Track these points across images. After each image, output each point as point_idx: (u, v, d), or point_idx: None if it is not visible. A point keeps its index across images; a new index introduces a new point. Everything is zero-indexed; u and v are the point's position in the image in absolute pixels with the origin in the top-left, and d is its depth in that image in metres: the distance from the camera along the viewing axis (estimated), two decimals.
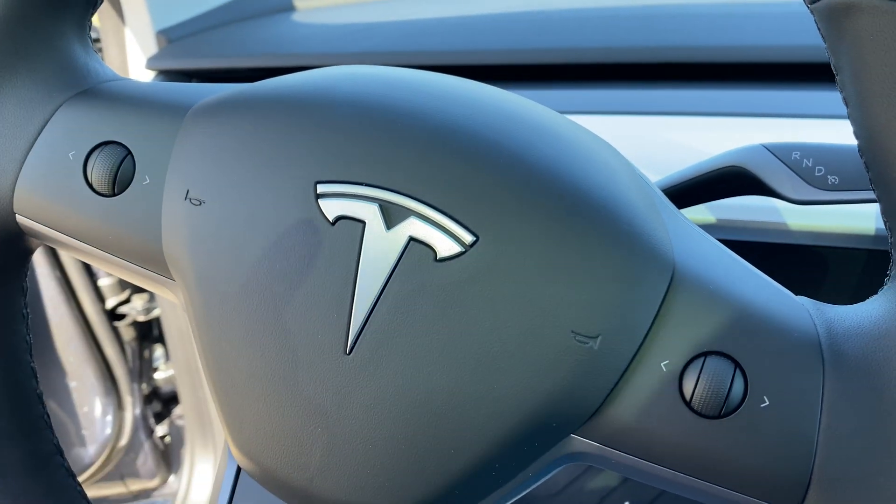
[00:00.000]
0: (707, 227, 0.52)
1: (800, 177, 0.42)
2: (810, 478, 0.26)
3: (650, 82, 0.62)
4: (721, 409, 0.27)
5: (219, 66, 0.77)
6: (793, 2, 0.73)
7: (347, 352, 0.29)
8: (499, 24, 0.77)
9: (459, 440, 0.28)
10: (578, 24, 0.71)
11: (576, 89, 0.63)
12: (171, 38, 0.80)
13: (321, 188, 0.29)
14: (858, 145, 0.27)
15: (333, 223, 0.29)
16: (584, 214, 0.28)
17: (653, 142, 0.54)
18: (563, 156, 0.30)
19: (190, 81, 0.79)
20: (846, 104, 0.27)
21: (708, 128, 0.55)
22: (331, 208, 0.29)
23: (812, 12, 0.26)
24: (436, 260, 0.28)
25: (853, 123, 0.27)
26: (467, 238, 0.28)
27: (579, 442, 0.29)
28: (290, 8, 0.93)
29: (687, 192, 0.45)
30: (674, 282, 0.28)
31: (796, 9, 0.69)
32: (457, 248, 0.28)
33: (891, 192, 0.26)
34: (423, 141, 0.29)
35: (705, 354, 0.27)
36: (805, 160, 0.42)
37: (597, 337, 0.27)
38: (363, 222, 0.29)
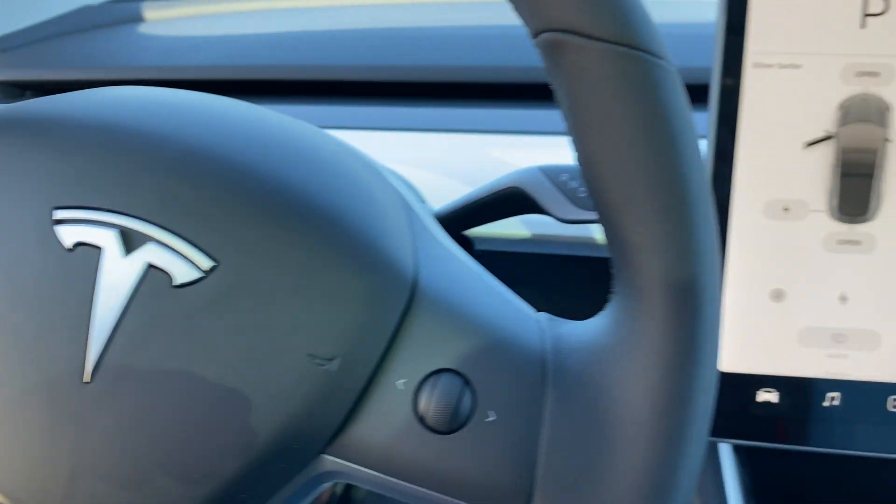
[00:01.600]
0: (508, 240, 0.56)
1: (566, 197, 0.46)
2: (533, 487, 0.28)
3: (436, 100, 0.65)
4: (452, 425, 0.29)
5: (54, 78, 0.76)
6: None
7: (87, 380, 0.29)
8: (333, 40, 0.79)
9: (203, 468, 0.29)
10: (379, 42, 0.73)
11: (360, 105, 0.65)
12: (3, 47, 0.79)
13: (58, 214, 0.29)
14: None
15: (71, 249, 0.29)
16: (322, 238, 0.29)
17: (443, 159, 0.57)
18: (309, 177, 0.31)
19: (24, 93, 0.78)
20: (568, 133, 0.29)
21: (499, 145, 0.59)
22: (68, 234, 0.29)
23: (535, 46, 0.28)
24: (174, 286, 0.29)
25: (572, 151, 0.29)
26: (206, 264, 0.29)
27: (330, 461, 0.31)
28: (137, 19, 0.92)
29: (473, 212, 0.49)
30: (413, 302, 0.30)
31: None
32: (195, 274, 0.29)
33: (603, 218, 0.29)
34: (165, 165, 0.30)
35: (439, 372, 0.29)
36: (571, 182, 0.46)
37: (334, 359, 0.29)
38: (100, 248, 0.29)
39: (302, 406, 0.29)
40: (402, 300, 0.29)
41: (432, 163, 0.55)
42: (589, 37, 0.25)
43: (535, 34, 0.26)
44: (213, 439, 0.29)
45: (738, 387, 0.45)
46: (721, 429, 0.46)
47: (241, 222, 0.29)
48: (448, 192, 0.51)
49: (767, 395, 0.45)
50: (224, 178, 0.30)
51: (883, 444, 0.44)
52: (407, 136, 0.61)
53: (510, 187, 0.48)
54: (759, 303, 0.44)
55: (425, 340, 0.29)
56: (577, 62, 0.25)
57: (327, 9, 0.87)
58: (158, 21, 0.93)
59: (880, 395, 0.44)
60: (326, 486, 0.32)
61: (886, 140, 0.42)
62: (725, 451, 0.59)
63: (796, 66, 0.42)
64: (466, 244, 0.56)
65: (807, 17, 0.41)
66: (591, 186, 0.28)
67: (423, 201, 0.48)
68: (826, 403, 0.44)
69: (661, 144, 0.25)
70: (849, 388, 0.44)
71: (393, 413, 0.29)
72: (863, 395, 0.44)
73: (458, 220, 0.47)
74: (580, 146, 0.27)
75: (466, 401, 0.29)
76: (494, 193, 0.48)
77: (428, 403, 0.29)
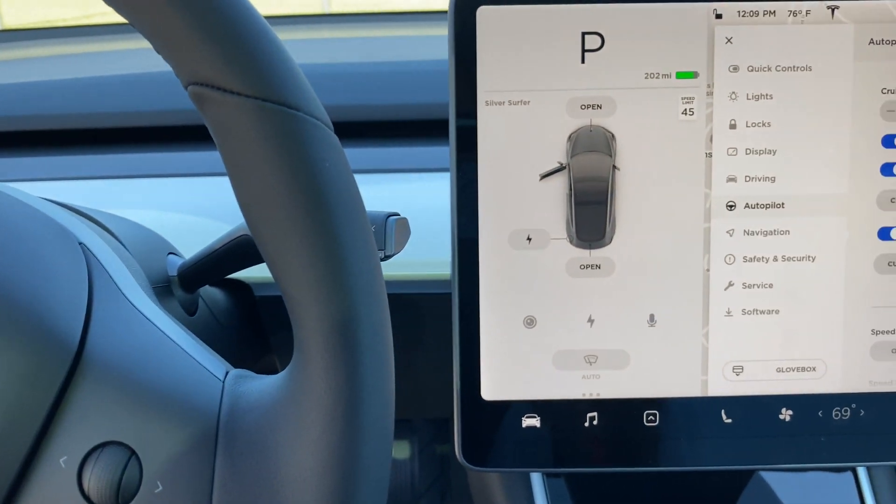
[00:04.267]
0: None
1: None
2: None
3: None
4: (118, 500, 0.28)
5: None
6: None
7: None
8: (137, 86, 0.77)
9: None
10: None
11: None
12: None
13: None
14: None
15: None
16: None
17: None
18: None
19: None
20: None
21: None
22: None
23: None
24: None
25: None
26: None
27: None
28: None
29: (210, 265, 0.47)
30: (76, 374, 0.28)
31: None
32: None
33: (269, 265, 0.29)
34: None
35: (104, 445, 0.28)
36: None
37: None
38: None
39: None
40: (62, 373, 0.28)
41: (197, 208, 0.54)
42: (227, 90, 0.25)
43: (185, 86, 0.26)
44: None
45: (503, 414, 0.46)
46: (493, 458, 0.46)
47: None
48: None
49: (531, 421, 0.46)
50: None
51: (644, 459, 0.46)
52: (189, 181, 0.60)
53: (242, 234, 0.46)
54: (514, 330, 0.45)
55: (89, 413, 0.28)
56: (218, 114, 0.26)
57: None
58: None
59: (636, 410, 0.46)
60: None
61: (614, 168, 0.44)
62: (537, 478, 0.61)
63: (525, 103, 0.43)
64: (245, 288, 0.55)
65: (532, 56, 0.43)
66: (254, 238, 0.28)
67: (170, 253, 0.46)
68: (587, 424, 0.46)
69: (303, 196, 0.25)
70: (605, 406, 0.46)
71: (57, 492, 0.28)
72: (619, 412, 0.46)
73: (200, 273, 0.46)
74: (236, 196, 0.27)
75: (133, 473, 0.28)
76: (229, 242, 0.47)
77: (90, 479, 0.28)
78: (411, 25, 0.99)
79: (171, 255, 0.46)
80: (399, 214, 0.43)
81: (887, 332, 0.45)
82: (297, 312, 0.27)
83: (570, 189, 0.44)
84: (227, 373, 0.31)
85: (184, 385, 0.29)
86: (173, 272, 0.45)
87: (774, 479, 0.58)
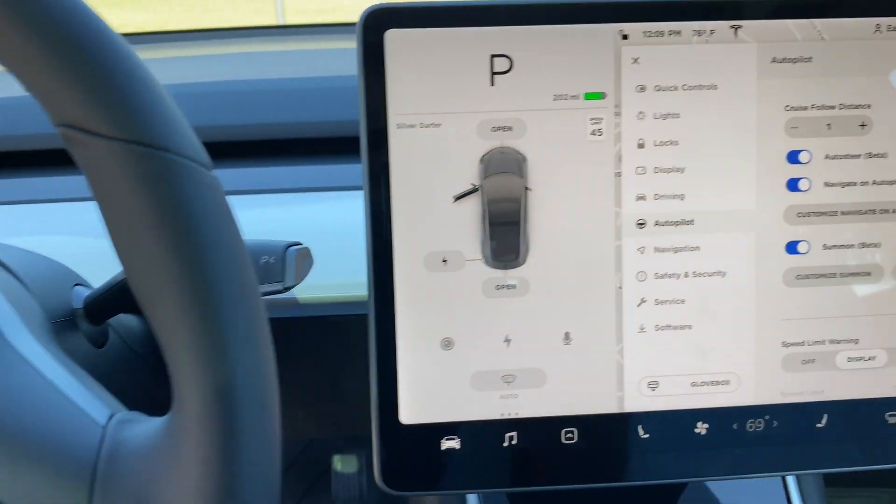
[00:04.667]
0: None
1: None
2: None
3: None
4: None
5: None
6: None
7: None
8: None
9: None
10: None
11: None
12: None
13: None
14: None
15: None
16: None
17: None
18: None
19: None
20: None
21: None
22: None
23: None
24: None
25: None
26: None
27: None
28: None
29: (119, 294, 0.45)
30: None
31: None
32: None
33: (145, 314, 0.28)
34: None
35: None
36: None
37: None
38: None
39: None
40: None
41: None
42: (93, 133, 0.24)
43: (55, 127, 0.25)
44: None
45: (422, 437, 0.45)
46: (412, 481, 0.46)
47: None
48: None
49: (450, 443, 0.46)
50: None
51: (565, 476, 0.47)
52: None
53: None
54: (432, 353, 0.45)
55: None
56: (86, 157, 0.25)
57: None
58: None
59: (554, 428, 0.46)
60: None
61: (527, 189, 0.44)
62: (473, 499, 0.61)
63: (437, 125, 0.43)
64: None
65: (442, 79, 0.43)
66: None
67: (76, 284, 0.45)
68: (506, 443, 0.46)
69: (172, 245, 0.25)
70: (524, 425, 0.46)
71: None
72: (538, 431, 0.46)
73: (109, 303, 0.45)
74: (111, 242, 0.27)
75: None
76: None
77: None
78: (319, 39, 0.98)
79: (77, 287, 0.45)
80: (301, 244, 0.43)
81: (797, 343, 0.46)
82: (172, 359, 0.26)
83: (484, 210, 0.44)
84: (111, 416, 0.30)
85: (59, 433, 0.28)
86: (79, 304, 0.44)
87: (706, 488, 0.59)
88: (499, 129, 0.44)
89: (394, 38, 0.42)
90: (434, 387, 0.45)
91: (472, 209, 0.44)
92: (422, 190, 0.44)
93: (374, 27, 0.42)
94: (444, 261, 0.44)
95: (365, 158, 0.43)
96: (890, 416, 0.48)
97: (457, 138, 0.43)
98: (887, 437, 0.48)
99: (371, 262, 0.44)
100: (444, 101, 0.43)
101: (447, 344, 0.45)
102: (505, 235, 0.44)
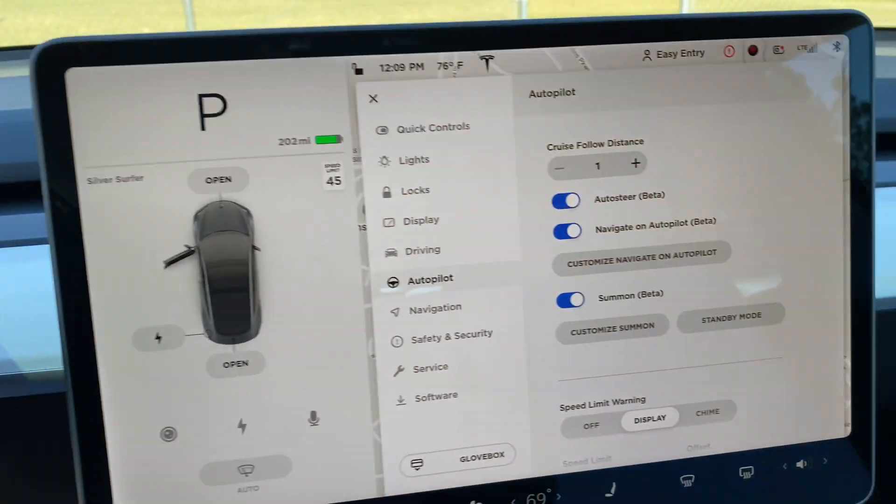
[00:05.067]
0: None
1: None
2: None
3: None
4: None
5: None
6: None
7: None
8: None
9: None
10: None
11: None
12: None
13: None
14: None
15: None
16: None
17: None
18: None
19: None
20: None
21: None
22: None
23: None
24: None
25: None
26: None
27: None
28: None
29: None
30: None
31: None
32: None
33: None
34: None
35: None
36: None
37: None
38: None
39: None
40: None
41: None
42: None
43: None
44: None
45: None
46: None
47: None
48: None
49: None
50: None
51: None
52: None
53: None
54: (150, 444, 0.38)
55: None
56: None
57: None
58: None
59: None
60: None
61: (254, 248, 0.38)
62: None
63: (138, 178, 0.37)
64: None
65: (141, 125, 0.36)
66: None
67: None
68: None
69: None
70: None
71: None
72: None
73: None
74: None
75: None
76: None
77: None
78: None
79: None
80: None
81: (577, 406, 0.42)
82: None
83: (203, 276, 0.37)
84: None
85: None
86: None
87: None
88: (215, 179, 0.37)
89: (77, 78, 0.35)
90: (156, 483, 0.38)
91: (188, 275, 0.37)
92: (125, 254, 0.37)
93: (52, 66, 0.35)
94: (158, 337, 0.38)
95: (49, 223, 0.36)
96: (685, 479, 0.43)
97: (164, 192, 0.37)
98: (684, 502, 0.43)
99: (65, 341, 0.37)
100: (146, 149, 0.36)
101: (169, 434, 0.38)
102: (230, 304, 0.38)
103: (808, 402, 0.44)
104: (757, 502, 0.44)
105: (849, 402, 0.45)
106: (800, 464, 0.44)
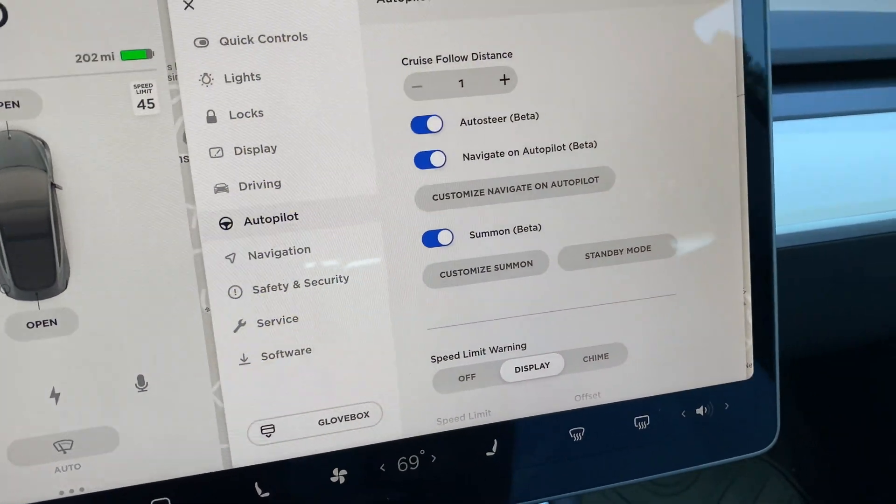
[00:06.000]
0: None
1: None
2: None
3: None
4: None
5: None
6: None
7: None
8: None
9: None
10: None
11: None
12: None
13: None
14: None
15: None
16: None
17: None
18: None
19: None
20: None
21: None
22: None
23: None
24: None
25: None
26: None
27: None
28: None
29: None
30: None
31: None
32: None
33: None
34: None
35: None
36: None
37: None
38: None
39: None
40: None
41: None
42: None
43: None
44: None
45: None
46: None
47: None
48: None
49: None
50: None
51: None
52: None
53: None
54: None
55: None
56: None
57: None
58: None
59: (139, 501, 0.35)
60: None
61: (54, 186, 0.32)
62: None
63: None
64: None
65: None
66: None
67: None
68: None
69: None
70: (96, 503, 0.34)
71: None
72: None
73: None
74: None
75: None
76: None
77: None
78: None
79: None
80: None
81: (450, 356, 0.37)
82: None
83: None
84: None
85: None
86: None
87: None
88: (0, 105, 0.31)
89: None
90: None
91: None
92: None
93: None
94: None
95: None
96: (574, 432, 0.39)
97: None
98: (575, 457, 0.39)
99: None
100: None
101: None
102: (30, 253, 0.32)
103: (706, 343, 0.40)
104: (654, 454, 0.40)
105: (750, 342, 0.41)
106: (699, 410, 0.41)
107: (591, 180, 0.37)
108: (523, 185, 0.37)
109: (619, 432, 0.40)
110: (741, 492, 1.03)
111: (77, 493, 0.34)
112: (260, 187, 0.34)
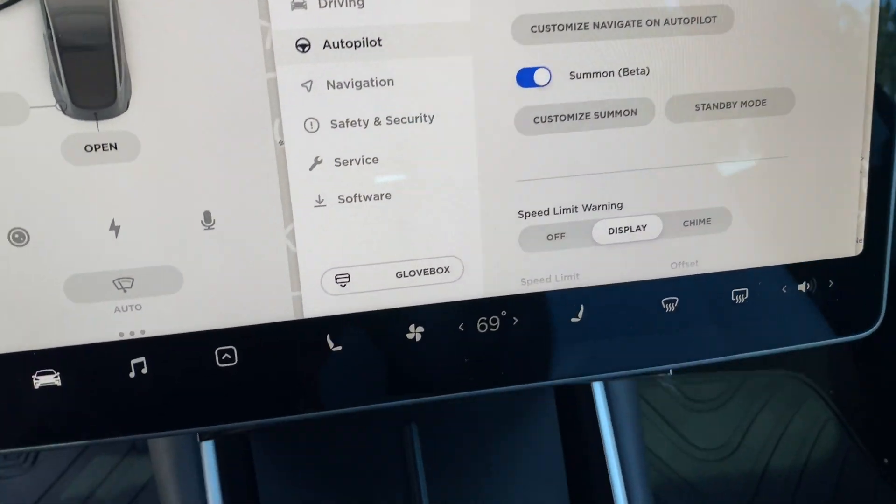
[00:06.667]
0: None
1: None
2: None
3: None
4: None
5: None
6: None
7: None
8: None
9: None
10: None
11: None
12: None
13: None
14: None
15: None
16: None
17: None
18: None
19: None
20: None
21: None
22: None
23: None
24: None
25: None
26: None
27: None
28: None
29: None
30: None
31: None
32: None
33: None
34: None
35: None
36: None
37: None
38: None
39: None
40: None
41: None
42: None
43: None
44: None
45: (3, 372, 0.31)
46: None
47: None
48: None
49: (48, 378, 0.31)
50: None
51: (222, 413, 0.33)
52: None
53: None
54: None
55: None
56: None
57: None
58: None
59: (202, 349, 0.32)
60: None
61: None
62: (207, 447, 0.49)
63: None
64: None
65: None
66: None
67: None
68: (132, 374, 0.32)
69: None
70: (156, 347, 0.32)
71: None
72: (178, 353, 0.32)
73: None
74: None
75: None
76: None
77: None
78: None
79: None
80: None
81: (539, 212, 0.34)
82: None
83: (49, 27, 0.28)
84: None
85: None
86: None
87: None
88: None
89: None
90: (8, 300, 0.30)
91: (27, 27, 0.28)
92: None
93: None
94: None
95: None
96: (667, 302, 0.36)
97: None
98: (667, 331, 0.36)
99: None
100: None
101: (19, 238, 0.30)
102: (88, 66, 0.29)
103: (816, 213, 0.37)
104: (749, 331, 0.37)
105: (863, 214, 0.37)
106: (802, 287, 0.38)
107: (707, 20, 0.33)
108: (633, 21, 0.33)
109: (715, 305, 0.37)
110: (777, 410, 1.01)
111: (137, 335, 0.32)
112: (341, 5, 0.30)
